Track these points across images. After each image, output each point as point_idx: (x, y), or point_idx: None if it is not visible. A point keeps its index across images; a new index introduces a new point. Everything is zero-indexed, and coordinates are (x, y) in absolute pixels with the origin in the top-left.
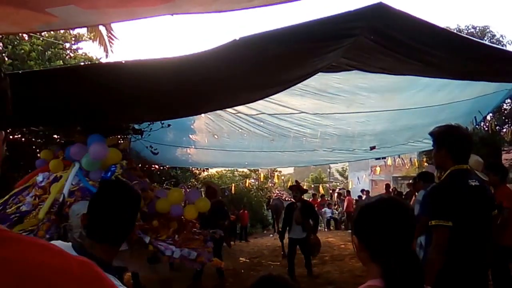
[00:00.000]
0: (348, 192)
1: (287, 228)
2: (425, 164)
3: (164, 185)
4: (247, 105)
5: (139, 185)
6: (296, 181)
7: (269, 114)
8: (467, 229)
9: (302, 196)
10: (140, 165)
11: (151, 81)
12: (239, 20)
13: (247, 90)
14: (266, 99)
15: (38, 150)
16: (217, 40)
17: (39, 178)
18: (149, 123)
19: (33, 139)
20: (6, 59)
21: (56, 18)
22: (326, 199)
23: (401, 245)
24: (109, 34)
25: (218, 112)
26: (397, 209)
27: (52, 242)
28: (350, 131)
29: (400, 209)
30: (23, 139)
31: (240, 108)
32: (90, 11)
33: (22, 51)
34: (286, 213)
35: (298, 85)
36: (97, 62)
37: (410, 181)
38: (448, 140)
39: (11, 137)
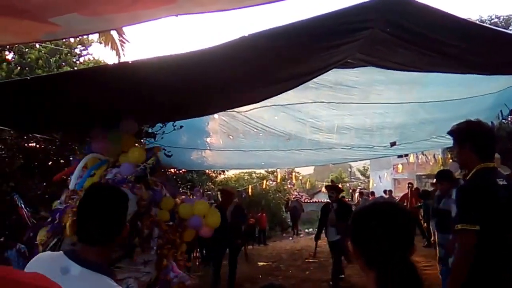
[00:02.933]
0: (372, 192)
1: (323, 230)
2: (450, 161)
3: (180, 189)
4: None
5: (170, 190)
6: (332, 181)
7: (282, 105)
8: (496, 232)
9: (339, 196)
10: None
11: (158, 79)
12: (253, 18)
13: (256, 87)
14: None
15: (54, 158)
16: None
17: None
18: (161, 126)
19: (49, 147)
20: (16, 68)
21: (60, 27)
22: (347, 199)
23: (397, 253)
24: (121, 38)
25: (232, 112)
26: (392, 214)
27: (41, 254)
28: (368, 123)
29: (396, 215)
30: (37, 146)
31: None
32: (92, 18)
33: (29, 59)
34: (321, 214)
35: (313, 79)
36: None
37: (434, 180)
38: (471, 137)
39: (26, 145)
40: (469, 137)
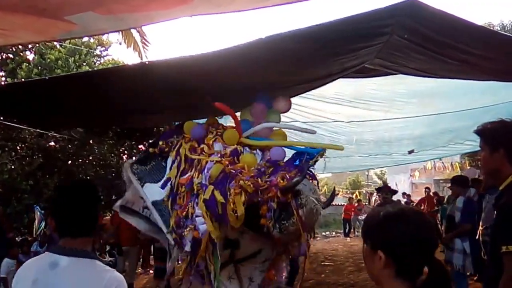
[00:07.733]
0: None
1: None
2: (467, 167)
3: None
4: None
5: None
6: (384, 182)
7: (302, 122)
8: None
9: (392, 198)
10: None
11: (176, 80)
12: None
13: (271, 89)
14: (300, 106)
15: (73, 157)
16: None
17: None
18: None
19: (68, 146)
20: (35, 69)
21: (76, 26)
22: (363, 203)
23: (432, 258)
24: (143, 40)
25: None
26: (424, 219)
27: (28, 261)
28: (387, 136)
29: (426, 219)
30: (56, 145)
31: None
32: (107, 17)
33: (49, 60)
34: None
35: (332, 93)
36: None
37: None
38: (506, 140)
39: (45, 144)
40: (503, 139)
